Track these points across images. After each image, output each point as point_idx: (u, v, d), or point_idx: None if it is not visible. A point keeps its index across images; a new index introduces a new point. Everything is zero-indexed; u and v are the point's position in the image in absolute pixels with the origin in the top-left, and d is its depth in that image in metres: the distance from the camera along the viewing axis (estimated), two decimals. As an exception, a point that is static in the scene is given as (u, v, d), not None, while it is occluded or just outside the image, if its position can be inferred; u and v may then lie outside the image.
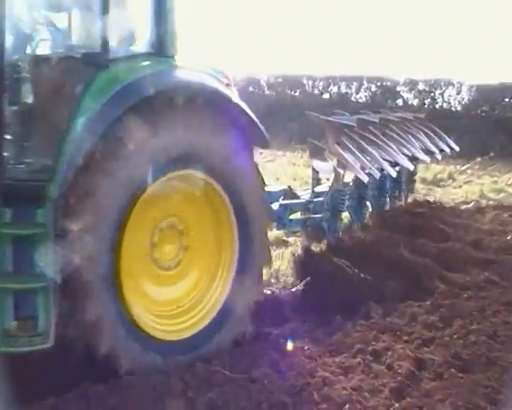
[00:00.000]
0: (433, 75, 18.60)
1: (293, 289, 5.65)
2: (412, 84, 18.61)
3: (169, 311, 4.24)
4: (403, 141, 7.34)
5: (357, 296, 5.14)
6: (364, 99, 19.02)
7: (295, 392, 3.67)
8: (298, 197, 6.32)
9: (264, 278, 5.82)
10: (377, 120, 7.13)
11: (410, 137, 7.68)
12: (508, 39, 29.87)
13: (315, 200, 6.25)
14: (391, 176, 7.00)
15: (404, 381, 3.80)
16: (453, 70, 19.59)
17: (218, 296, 4.31)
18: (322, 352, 4.26)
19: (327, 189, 6.39)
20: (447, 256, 6.35)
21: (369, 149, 6.33)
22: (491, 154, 15.03)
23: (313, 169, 6.71)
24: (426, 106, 17.99)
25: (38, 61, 4.17)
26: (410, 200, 8.82)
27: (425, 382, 3.85)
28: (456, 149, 9.07)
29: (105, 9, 3.79)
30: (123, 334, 3.74)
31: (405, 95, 18.71)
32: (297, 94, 20.19)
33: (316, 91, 20.11)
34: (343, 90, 19.67)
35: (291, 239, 7.23)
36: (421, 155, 7.71)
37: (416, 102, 18.37)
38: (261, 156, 14.27)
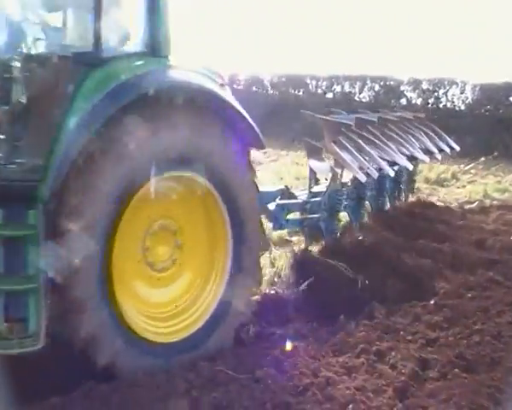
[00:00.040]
0: (436, 74, 18.58)
1: (297, 290, 5.64)
2: (416, 84, 18.57)
3: (164, 313, 4.21)
4: (402, 140, 7.30)
5: (360, 296, 5.15)
6: (368, 99, 19.00)
7: (299, 392, 3.68)
8: (295, 197, 6.26)
9: (267, 277, 5.86)
10: (375, 120, 7.08)
11: (409, 136, 7.64)
12: (512, 38, 29.79)
13: (312, 200, 6.21)
14: (390, 176, 6.97)
15: (407, 381, 3.80)
16: (457, 69, 19.61)
17: (212, 297, 4.28)
18: (325, 352, 4.26)
19: (324, 189, 6.35)
20: (451, 256, 6.35)
21: (367, 148, 6.29)
22: (495, 153, 15.00)
23: (310, 169, 6.66)
24: (429, 105, 17.97)
25: (30, 60, 4.13)
26: (412, 200, 8.82)
27: (429, 382, 3.85)
28: (457, 148, 9.03)
29: (98, 9, 3.77)
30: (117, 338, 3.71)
31: (409, 94, 18.69)
32: (300, 94, 20.19)
33: (319, 91, 20.11)
34: (346, 89, 19.66)
35: (294, 239, 7.22)
36: (420, 155, 7.67)
37: (419, 101, 18.34)
38: (265, 156, 14.34)
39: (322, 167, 6.57)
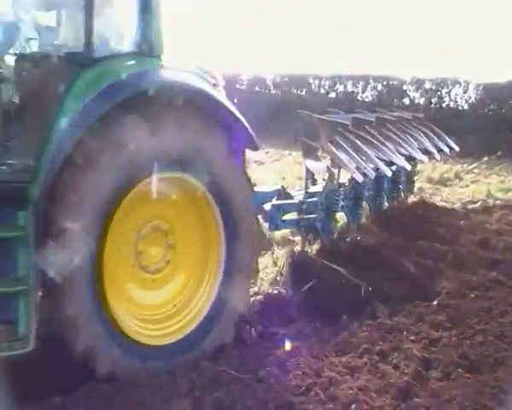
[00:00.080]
0: (439, 74, 18.51)
1: (299, 290, 5.63)
2: (419, 83, 18.52)
3: (157, 314, 4.18)
4: (400, 141, 7.25)
5: (362, 297, 5.13)
6: (371, 98, 18.96)
7: (301, 392, 3.68)
8: (291, 198, 6.20)
9: (270, 277, 5.86)
10: (373, 120, 7.02)
11: (407, 136, 7.59)
12: (515, 38, 29.72)
13: (308, 200, 6.16)
14: (388, 176, 6.92)
15: (410, 381, 3.79)
16: (460, 69, 19.49)
17: (205, 299, 4.25)
18: (328, 352, 4.26)
19: (321, 189, 6.31)
20: (454, 256, 6.33)
21: (364, 148, 6.24)
22: (499, 153, 14.94)
23: (306, 169, 6.60)
24: (432, 105, 17.93)
25: (21, 60, 4.12)
26: (414, 200, 8.78)
27: (432, 382, 3.84)
28: (456, 148, 8.97)
29: (89, 8, 3.74)
30: (104, 337, 3.68)
31: (412, 94, 18.63)
32: (303, 93, 20.16)
33: (322, 91, 20.06)
34: (349, 89, 19.62)
35: (297, 238, 7.21)
36: (419, 155, 7.60)
37: (422, 101, 18.29)
38: (267, 156, 14.38)
39: (319, 167, 6.53)
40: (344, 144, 6.07)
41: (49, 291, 3.59)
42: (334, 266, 5.47)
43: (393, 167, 7.08)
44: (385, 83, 19.00)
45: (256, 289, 5.60)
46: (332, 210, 6.29)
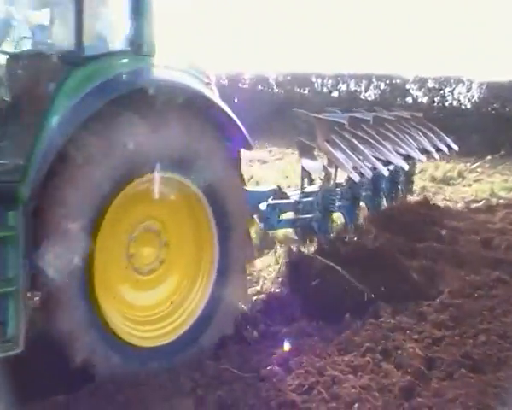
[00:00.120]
0: (442, 73, 18.51)
1: (302, 288, 5.62)
2: (422, 82, 18.51)
3: (150, 316, 4.15)
4: (398, 140, 7.22)
5: (365, 295, 5.12)
6: (373, 97, 18.95)
7: (304, 391, 3.67)
8: (287, 197, 6.18)
9: (272, 275, 5.86)
10: (370, 119, 6.99)
11: (406, 136, 7.56)
12: (518, 36, 29.65)
13: (304, 200, 6.14)
14: (386, 176, 6.88)
15: (413, 380, 3.79)
16: (463, 67, 19.50)
17: (198, 300, 4.22)
18: (331, 351, 4.25)
19: (318, 188, 6.29)
20: (457, 255, 6.31)
21: (361, 147, 6.21)
22: (502, 152, 14.90)
23: (303, 168, 6.57)
24: (435, 104, 17.91)
25: (12, 58, 4.09)
26: (418, 198, 8.76)
27: (435, 381, 3.83)
28: (455, 148, 8.93)
29: (80, 7, 3.71)
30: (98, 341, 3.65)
31: (415, 93, 18.62)
32: (306, 92, 20.16)
33: (325, 89, 20.08)
34: (352, 88, 19.62)
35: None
36: (417, 155, 7.57)
37: (425, 99, 18.28)
38: (270, 154, 14.37)
39: (315, 166, 6.50)
40: (341, 143, 6.04)
41: (41, 293, 3.57)
42: (331, 263, 5.41)
43: (391, 167, 7.04)
44: (388, 82, 18.99)
45: (258, 287, 5.60)
46: (328, 210, 6.27)
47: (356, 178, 5.99)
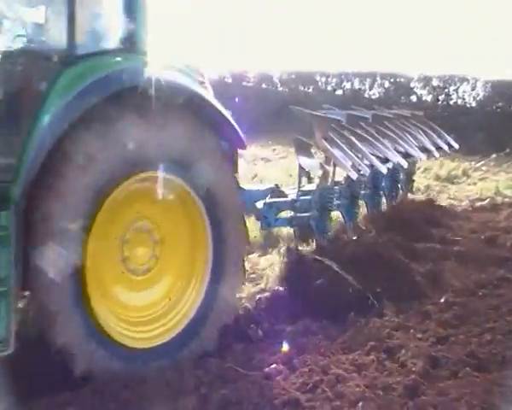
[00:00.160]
0: (447, 71, 18.46)
1: (305, 287, 5.60)
2: (426, 81, 18.46)
3: (144, 316, 4.12)
4: (397, 138, 7.18)
5: (370, 294, 5.11)
6: (378, 95, 18.91)
7: (308, 389, 3.67)
8: (285, 196, 6.11)
9: (276, 274, 5.84)
10: (368, 117, 6.93)
11: (405, 134, 7.51)
12: (524, 34, 29.52)
13: (301, 198, 6.07)
14: (386, 174, 6.85)
15: (418, 379, 3.77)
16: (468, 65, 19.44)
17: (193, 299, 4.20)
18: (335, 349, 4.25)
19: (315, 187, 6.24)
20: (462, 254, 6.30)
21: (359, 144, 6.15)
22: (507, 150, 14.85)
23: (300, 166, 6.49)
24: (440, 102, 17.86)
25: (3, 57, 4.07)
26: (422, 197, 8.74)
27: (439, 380, 3.82)
28: (456, 146, 8.88)
29: (72, 5, 3.69)
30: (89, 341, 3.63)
31: (419, 91, 18.58)
32: (310, 90, 20.14)
33: (329, 88, 20.05)
34: (356, 86, 19.59)
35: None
36: (416, 153, 7.52)
37: (429, 98, 18.23)
38: (274, 153, 14.35)
39: (313, 164, 6.46)
40: (338, 141, 6.00)
41: (33, 292, 3.56)
42: (327, 261, 5.37)
43: (390, 165, 6.97)
44: (392, 80, 18.96)
45: (262, 286, 5.59)
46: (326, 208, 6.19)
47: (354, 175, 5.95)
